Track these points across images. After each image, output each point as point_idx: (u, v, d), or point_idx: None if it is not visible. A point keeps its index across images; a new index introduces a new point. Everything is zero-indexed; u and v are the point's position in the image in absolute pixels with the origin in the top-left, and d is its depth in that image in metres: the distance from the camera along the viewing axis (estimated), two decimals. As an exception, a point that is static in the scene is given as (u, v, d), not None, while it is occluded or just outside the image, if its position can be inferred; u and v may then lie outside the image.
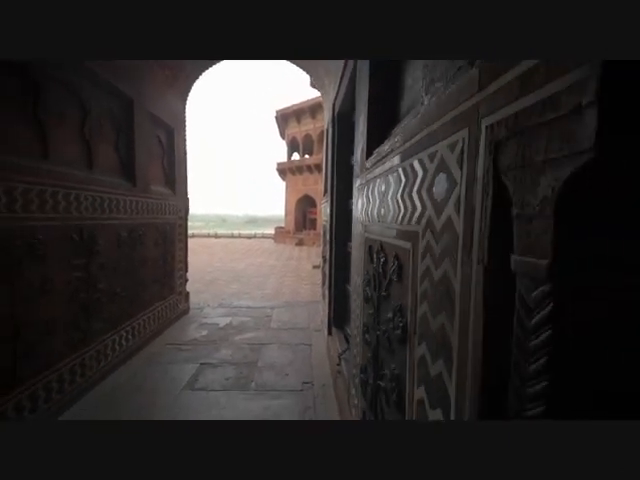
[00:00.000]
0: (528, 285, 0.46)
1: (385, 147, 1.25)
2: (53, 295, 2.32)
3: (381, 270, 1.24)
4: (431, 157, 0.80)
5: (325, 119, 4.67)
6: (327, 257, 4.04)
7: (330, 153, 3.85)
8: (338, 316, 3.53)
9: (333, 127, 3.69)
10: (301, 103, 21.39)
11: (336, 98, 3.46)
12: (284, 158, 24.62)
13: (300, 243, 20.44)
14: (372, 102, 1.59)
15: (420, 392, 0.85)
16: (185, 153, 4.91)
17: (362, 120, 1.72)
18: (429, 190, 0.80)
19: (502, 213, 0.53)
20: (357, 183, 1.88)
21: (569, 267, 0.41)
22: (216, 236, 28.54)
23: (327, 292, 3.94)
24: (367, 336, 1.49)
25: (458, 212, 0.66)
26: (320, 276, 5.62)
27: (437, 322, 0.75)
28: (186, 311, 4.98)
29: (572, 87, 0.39)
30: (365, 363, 1.53)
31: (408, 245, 0.95)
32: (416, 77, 1.19)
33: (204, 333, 4.22)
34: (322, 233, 4.98)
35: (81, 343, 2.63)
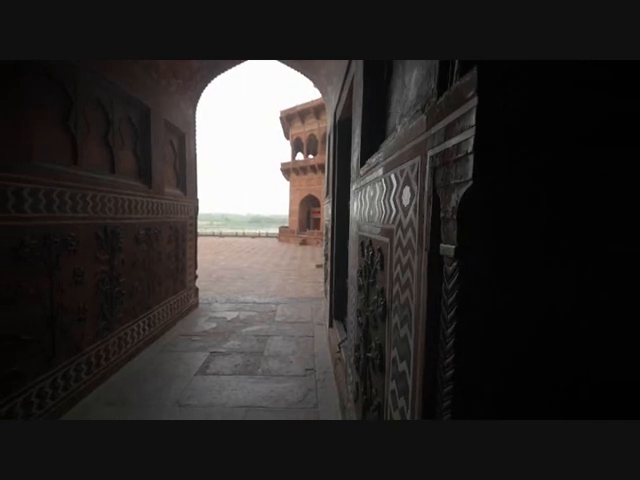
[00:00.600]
0: (448, 262, 0.72)
1: (373, 159, 1.50)
2: (83, 286, 2.61)
3: (369, 261, 1.49)
4: (401, 173, 1.05)
5: (327, 124, 4.92)
6: (328, 255, 4.30)
7: (332, 157, 4.11)
8: (338, 309, 3.79)
9: (334, 133, 3.94)
10: (305, 104, 21.66)
11: (337, 106, 3.71)
12: (288, 158, 24.92)
13: (304, 242, 20.73)
14: (365, 117, 1.84)
15: (394, 352, 1.11)
16: (195, 156, 5.19)
17: (357, 132, 1.97)
18: (400, 198, 1.06)
19: (438, 216, 0.78)
20: (353, 187, 2.13)
21: (467, 251, 0.66)
22: (221, 235, 28.93)
23: (328, 287, 4.20)
24: (360, 319, 1.74)
25: (415, 215, 0.91)
26: (323, 274, 5.89)
27: (404, 297, 1.01)
28: (196, 305, 5.26)
29: (465, 140, 0.64)
30: (358, 342, 1.78)
31: (387, 240, 1.21)
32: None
33: (213, 325, 4.51)
34: (324, 232, 5.24)
35: (106, 330, 2.92)
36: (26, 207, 2.08)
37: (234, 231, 33.53)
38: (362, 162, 1.81)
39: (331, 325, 3.92)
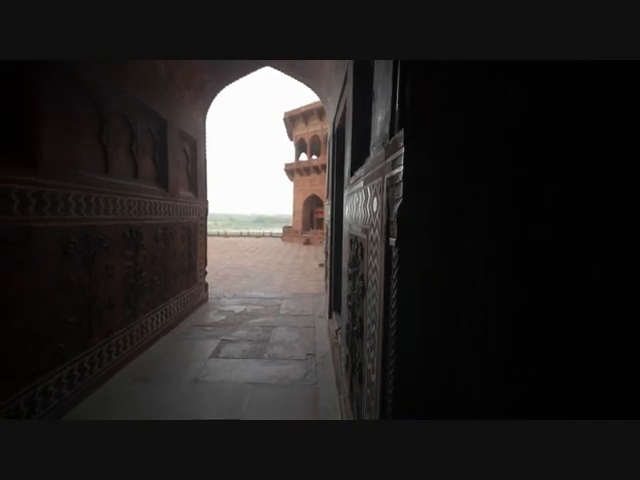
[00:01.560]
0: (393, 250, 1.09)
1: (358, 173, 1.88)
2: (113, 279, 3.01)
3: (355, 254, 1.87)
4: (373, 186, 1.42)
5: (328, 132, 5.29)
6: (328, 252, 4.68)
7: (331, 163, 4.48)
8: (337, 302, 4.16)
9: (333, 141, 4.31)
10: (308, 105, 22.06)
11: (336, 116, 4.08)
12: (292, 159, 25.33)
13: (307, 242, 21.11)
14: (354, 137, 2.21)
15: (368, 320, 1.48)
16: (205, 161, 5.59)
17: (349, 148, 2.35)
18: (372, 205, 1.43)
19: (389, 219, 1.15)
20: (346, 193, 2.51)
21: (401, 243, 1.04)
22: (225, 235, 29.40)
23: (328, 282, 4.57)
24: (349, 302, 2.12)
25: (380, 218, 1.28)
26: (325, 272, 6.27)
27: (373, 277, 1.38)
28: (205, 300, 5.67)
29: (399, 172, 1.01)
30: (348, 322, 2.16)
31: (365, 237, 1.58)
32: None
33: (223, 317, 4.91)
34: (325, 232, 5.62)
35: (131, 318, 3.33)
36: (71, 210, 2.48)
37: (238, 231, 34.02)
38: (352, 173, 2.19)
39: (330, 316, 4.30)
